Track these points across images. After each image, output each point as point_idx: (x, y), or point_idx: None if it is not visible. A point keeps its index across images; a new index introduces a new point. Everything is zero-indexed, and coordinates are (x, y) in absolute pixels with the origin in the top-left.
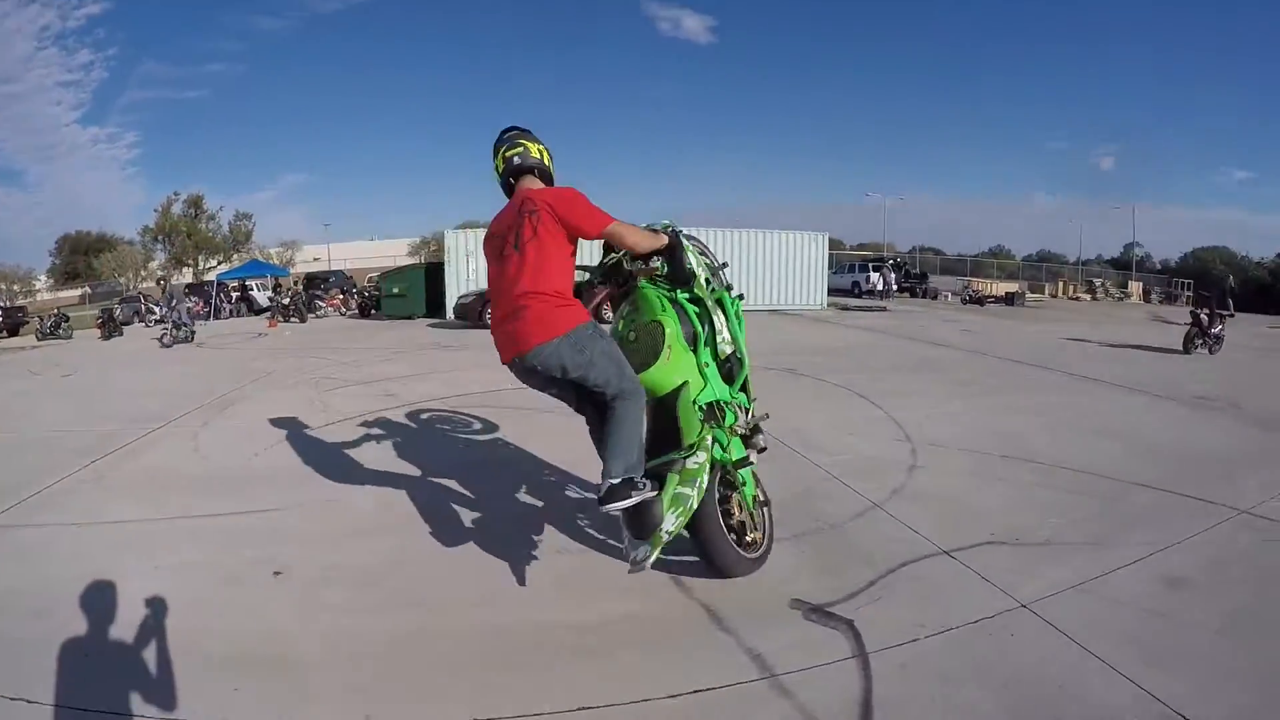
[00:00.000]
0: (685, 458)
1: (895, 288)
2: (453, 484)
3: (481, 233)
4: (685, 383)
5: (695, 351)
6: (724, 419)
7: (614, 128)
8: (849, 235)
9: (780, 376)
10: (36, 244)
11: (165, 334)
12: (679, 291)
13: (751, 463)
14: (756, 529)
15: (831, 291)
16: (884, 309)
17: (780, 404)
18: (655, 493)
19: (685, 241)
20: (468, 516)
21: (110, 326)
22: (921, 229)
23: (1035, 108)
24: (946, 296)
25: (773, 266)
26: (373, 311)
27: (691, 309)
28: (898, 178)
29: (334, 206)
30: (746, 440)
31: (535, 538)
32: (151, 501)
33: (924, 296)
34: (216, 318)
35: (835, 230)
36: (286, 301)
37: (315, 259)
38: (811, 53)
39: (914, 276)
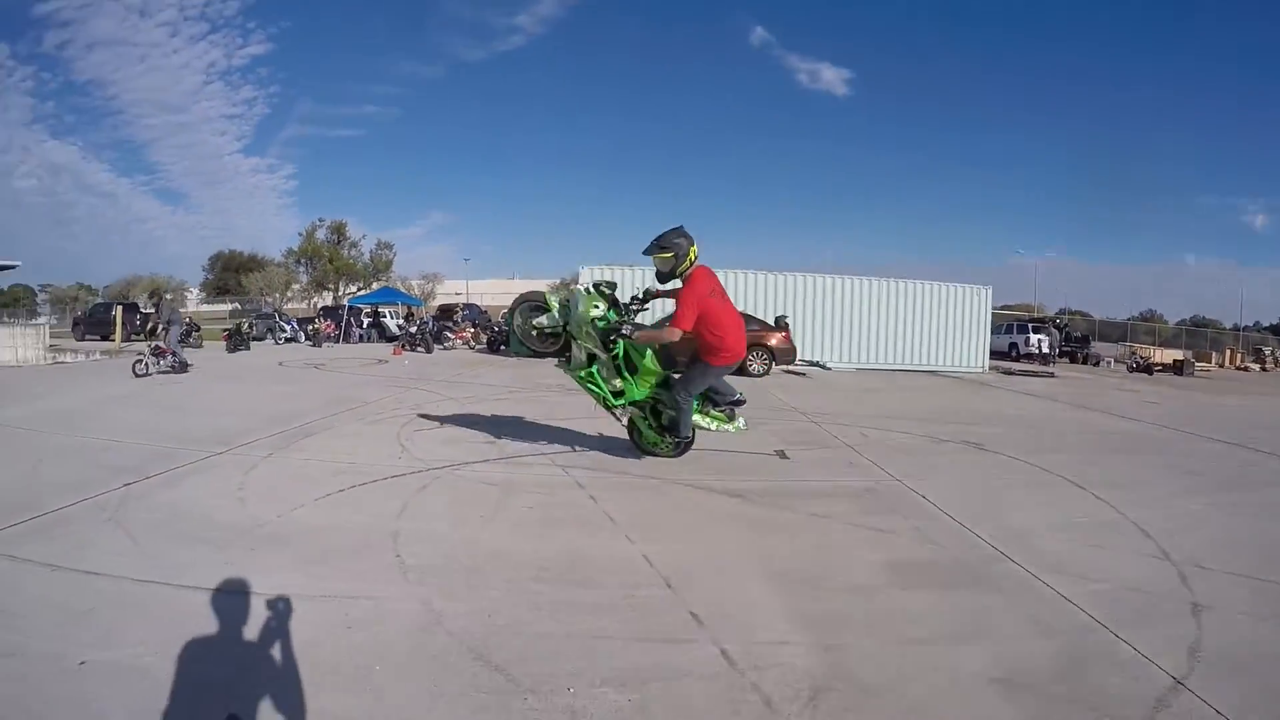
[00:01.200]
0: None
1: (1056, 351)
2: (524, 593)
3: (619, 270)
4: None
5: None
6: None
7: (746, 175)
8: (995, 295)
9: (961, 451)
10: (193, 260)
11: (140, 361)
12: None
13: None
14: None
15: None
16: (1050, 374)
17: (981, 492)
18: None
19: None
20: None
21: (236, 340)
22: (1066, 291)
23: (1180, 162)
24: (1109, 363)
25: (928, 322)
26: (501, 347)
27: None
28: (1036, 238)
29: (476, 244)
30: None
31: None
32: (145, 554)
33: (1085, 362)
34: (345, 341)
35: None
36: (414, 330)
37: (456, 294)
38: (946, 108)
39: (1075, 340)
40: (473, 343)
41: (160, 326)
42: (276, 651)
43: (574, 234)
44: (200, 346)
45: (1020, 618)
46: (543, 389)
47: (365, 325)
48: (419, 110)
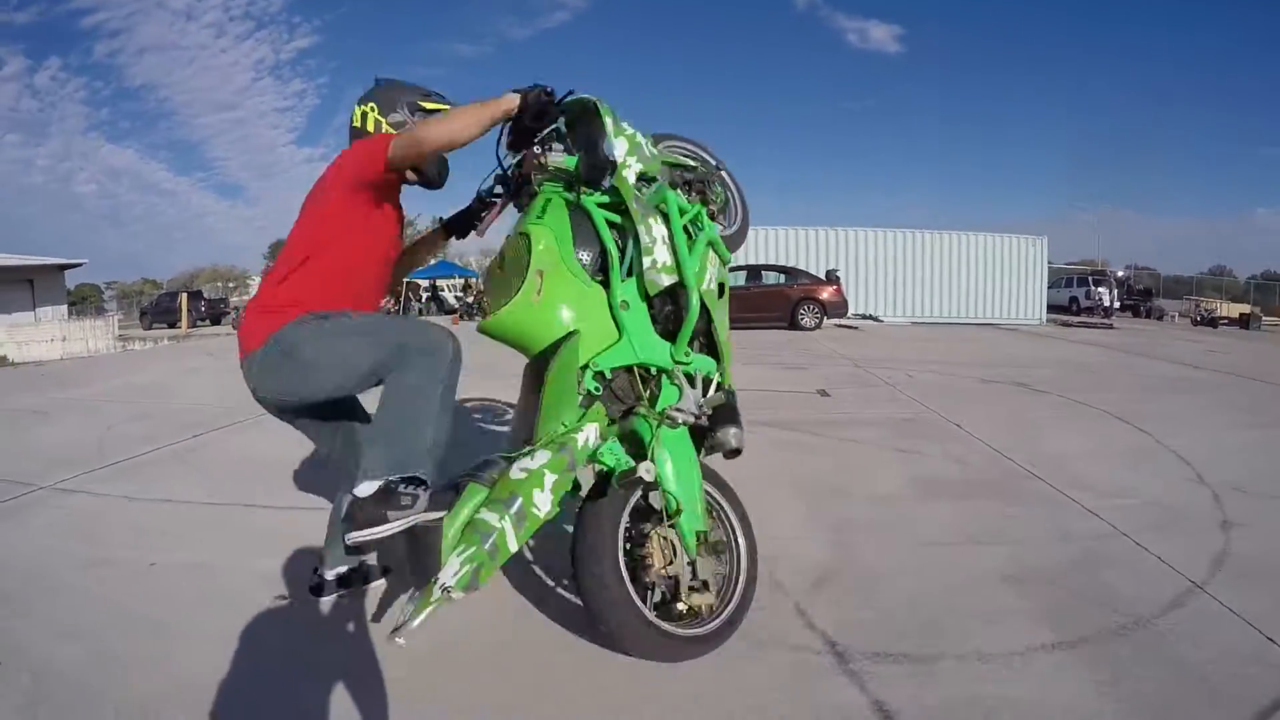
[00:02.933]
0: (513, 458)
1: (1118, 305)
2: None
3: None
4: (573, 332)
5: (606, 283)
6: (655, 396)
7: (807, 135)
8: (1057, 252)
9: (1007, 390)
10: (254, 249)
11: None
12: (592, 195)
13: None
14: (700, 589)
15: (1048, 308)
16: (1109, 326)
17: (1020, 423)
18: (437, 513)
19: (599, 109)
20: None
21: None
22: (1133, 247)
23: (1250, 111)
24: (1173, 317)
25: (983, 273)
26: None
27: (601, 217)
28: (1101, 193)
29: None
30: (702, 434)
31: None
32: (212, 485)
33: (1148, 316)
34: (405, 314)
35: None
36: (471, 300)
37: None
38: (1005, 61)
39: (1138, 293)
40: None
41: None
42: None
43: None
44: None
45: (1040, 526)
46: None
47: (424, 299)
48: (468, 91)
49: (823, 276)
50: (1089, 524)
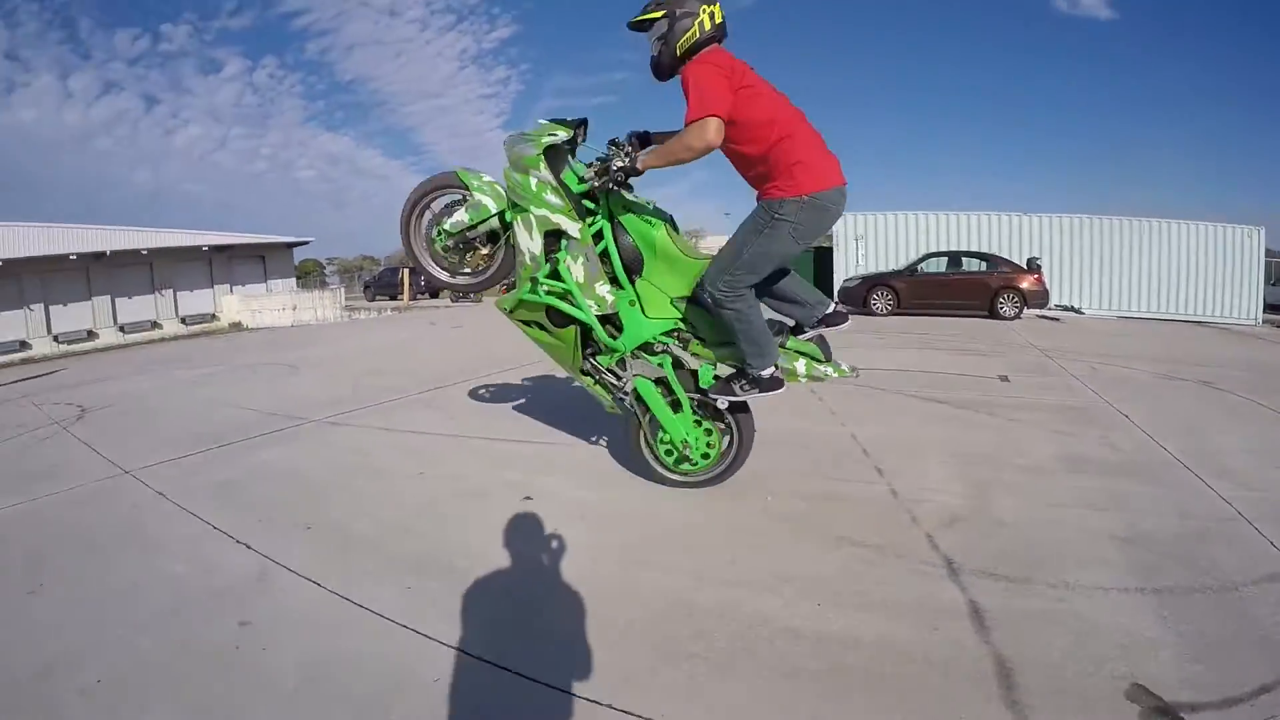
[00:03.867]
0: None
1: None
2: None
3: (867, 216)
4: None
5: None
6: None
7: (999, 114)
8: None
9: (1189, 387)
10: None
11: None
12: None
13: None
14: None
15: (1266, 308)
16: None
17: (1189, 419)
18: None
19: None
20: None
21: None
22: None
23: None
24: None
25: (1191, 266)
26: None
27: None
28: None
29: (735, 199)
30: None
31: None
32: (456, 424)
33: None
34: None
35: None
36: None
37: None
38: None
39: None
40: None
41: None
42: (560, 456)
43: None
44: (479, 302)
45: (1166, 503)
46: None
47: None
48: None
49: (1023, 264)
50: (1215, 507)
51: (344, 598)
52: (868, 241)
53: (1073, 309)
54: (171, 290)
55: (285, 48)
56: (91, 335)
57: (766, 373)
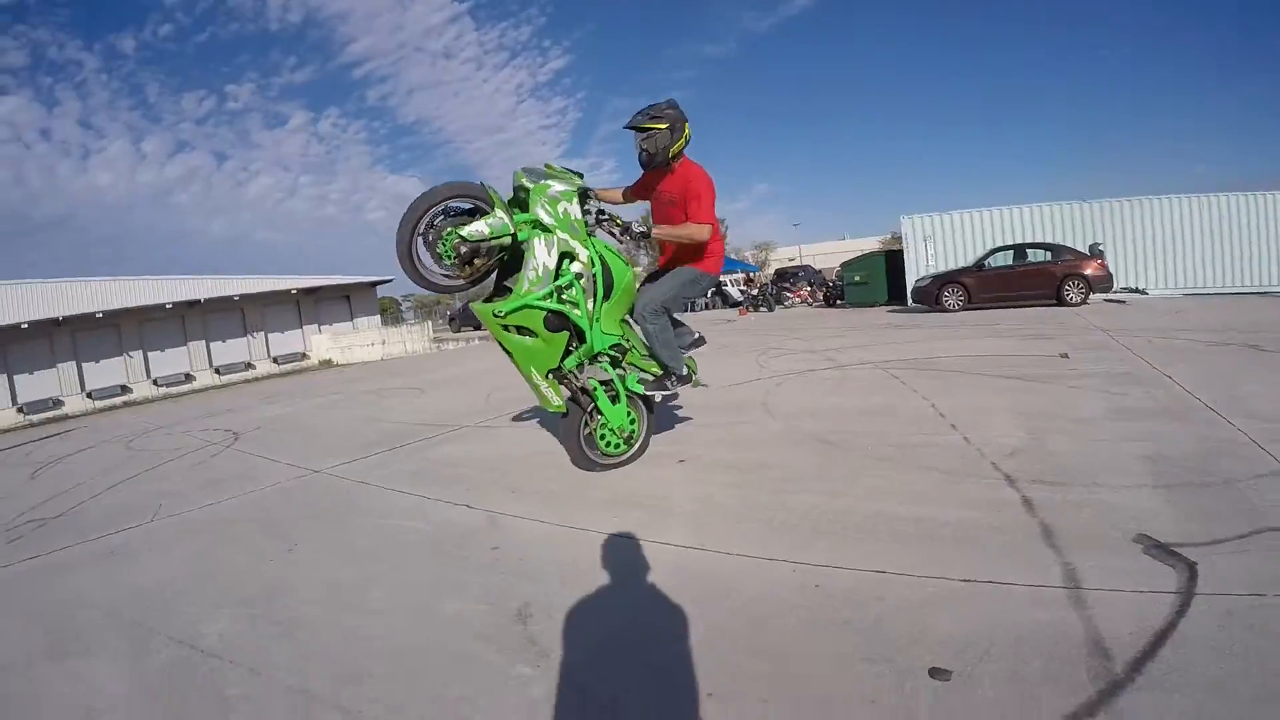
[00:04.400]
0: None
1: None
2: (837, 426)
3: (933, 218)
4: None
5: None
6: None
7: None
8: None
9: (1235, 351)
10: None
11: None
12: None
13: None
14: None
15: None
16: None
17: (1226, 375)
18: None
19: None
20: (837, 449)
21: None
22: None
23: None
24: None
25: (1249, 239)
26: (837, 301)
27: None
28: None
29: (802, 210)
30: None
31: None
32: None
33: None
34: (691, 309)
35: None
36: (755, 293)
37: (790, 259)
38: None
39: None
40: (810, 300)
41: None
42: (712, 433)
43: (895, 189)
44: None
45: (1188, 435)
46: (877, 327)
47: (708, 293)
48: (720, 87)
49: (1085, 251)
50: (1230, 435)
51: (568, 526)
52: (936, 241)
53: (1137, 290)
54: (263, 332)
55: (346, 97)
56: (189, 378)
57: (683, 371)
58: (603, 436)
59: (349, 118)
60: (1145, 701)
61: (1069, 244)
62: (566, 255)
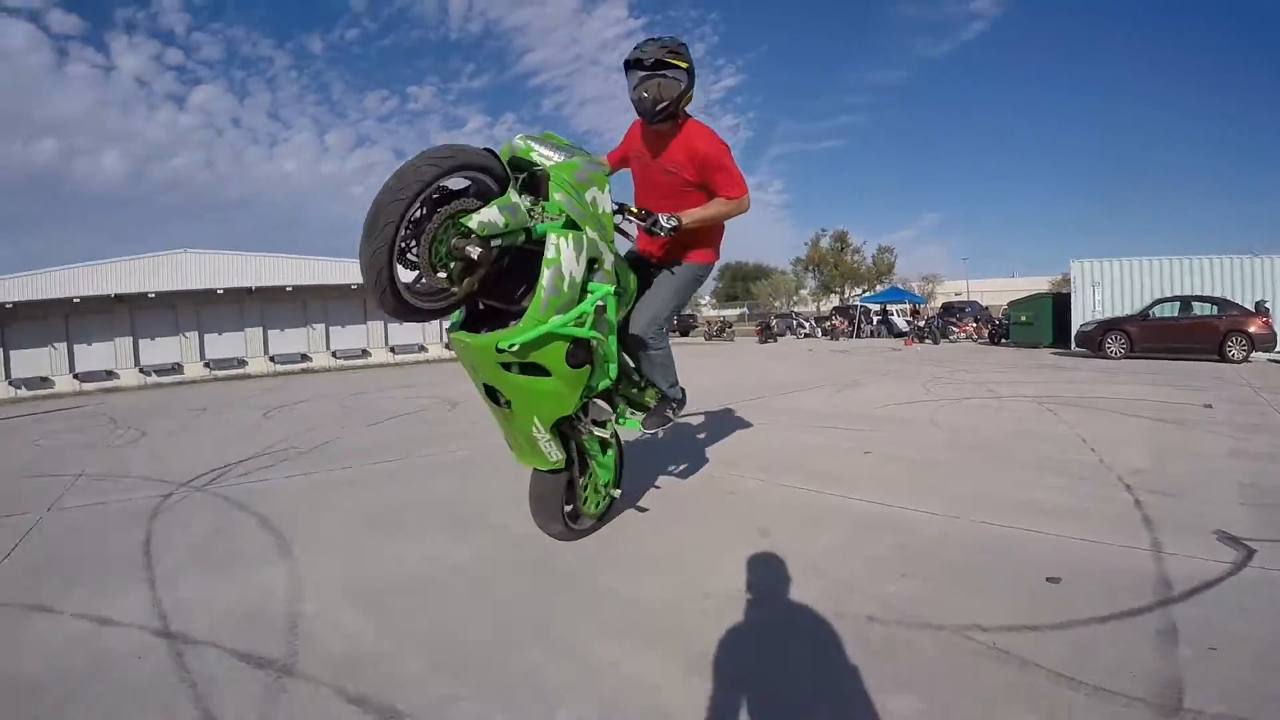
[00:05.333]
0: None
1: None
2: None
3: (1103, 264)
4: None
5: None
6: None
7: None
8: None
9: None
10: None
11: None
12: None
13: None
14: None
15: None
16: None
17: None
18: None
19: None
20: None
21: (766, 334)
22: None
23: None
24: None
25: None
26: (1002, 340)
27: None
28: None
29: (971, 243)
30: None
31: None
32: (775, 423)
33: None
34: (857, 336)
35: None
36: (921, 325)
37: (956, 293)
38: None
39: None
40: (975, 336)
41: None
42: (887, 436)
43: (1069, 229)
44: (732, 340)
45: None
46: (1039, 366)
47: (875, 322)
48: (893, 113)
49: (1250, 308)
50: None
51: (783, 485)
52: (1104, 287)
53: None
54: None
55: (522, 104)
56: (365, 354)
57: (681, 394)
58: (587, 497)
59: (524, 124)
60: (1189, 612)
61: (1235, 299)
62: (594, 262)
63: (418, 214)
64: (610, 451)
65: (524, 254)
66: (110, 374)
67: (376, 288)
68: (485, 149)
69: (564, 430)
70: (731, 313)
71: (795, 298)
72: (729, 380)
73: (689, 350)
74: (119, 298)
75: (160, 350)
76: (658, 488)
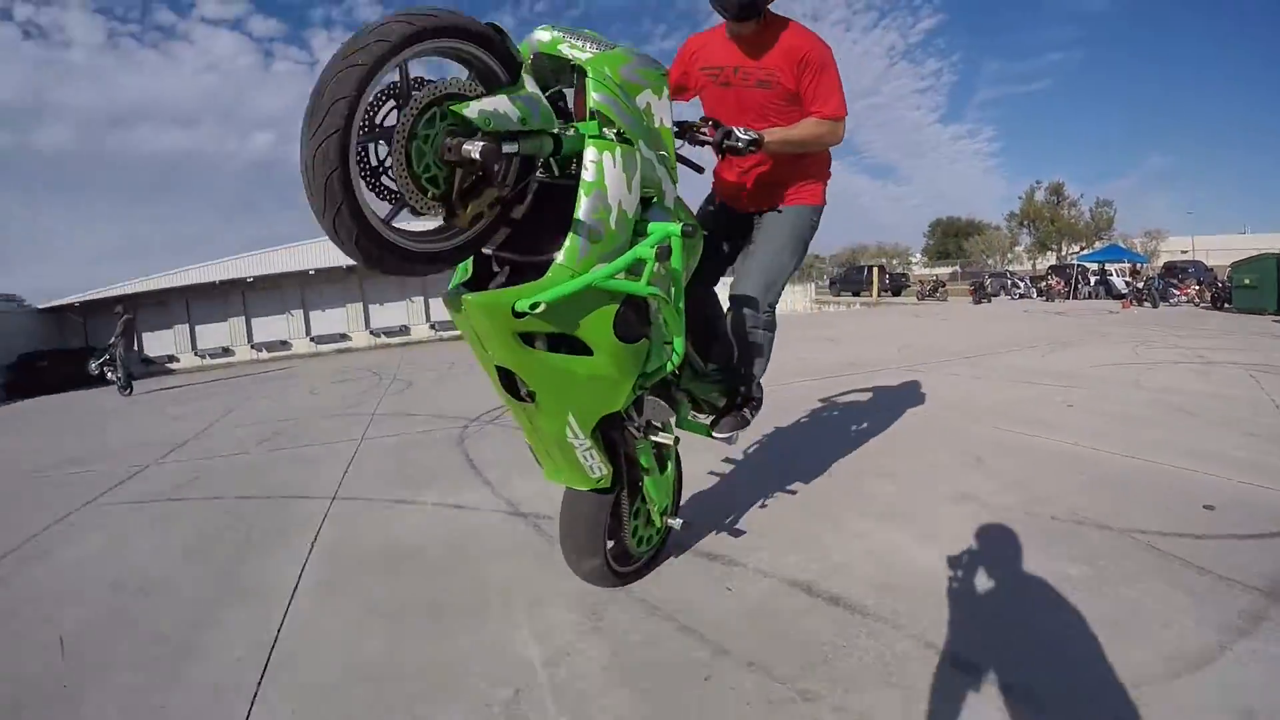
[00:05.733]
0: None
1: None
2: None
3: None
4: None
5: None
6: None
7: None
8: None
9: None
10: (912, 227)
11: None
12: None
13: None
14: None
15: None
16: None
17: None
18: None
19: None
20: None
21: (980, 294)
22: None
23: None
24: None
25: None
26: (1225, 305)
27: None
28: None
29: (1200, 194)
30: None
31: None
32: (1009, 376)
33: None
34: (1074, 297)
35: None
36: (1140, 286)
37: (1182, 251)
38: None
39: None
40: (1196, 300)
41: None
42: (1091, 393)
43: None
44: (945, 300)
45: None
46: (1250, 334)
47: (1092, 282)
48: (1106, 46)
49: None
50: None
51: (1004, 430)
52: None
53: None
54: None
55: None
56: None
57: (762, 391)
58: (636, 528)
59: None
60: None
61: None
62: (649, 194)
63: (386, 95)
64: (669, 467)
65: (551, 191)
66: (344, 336)
67: (328, 207)
68: (490, 23)
69: (610, 435)
70: (943, 271)
71: (1010, 255)
72: (942, 340)
73: (900, 310)
74: (349, 268)
75: (388, 314)
76: (883, 424)
